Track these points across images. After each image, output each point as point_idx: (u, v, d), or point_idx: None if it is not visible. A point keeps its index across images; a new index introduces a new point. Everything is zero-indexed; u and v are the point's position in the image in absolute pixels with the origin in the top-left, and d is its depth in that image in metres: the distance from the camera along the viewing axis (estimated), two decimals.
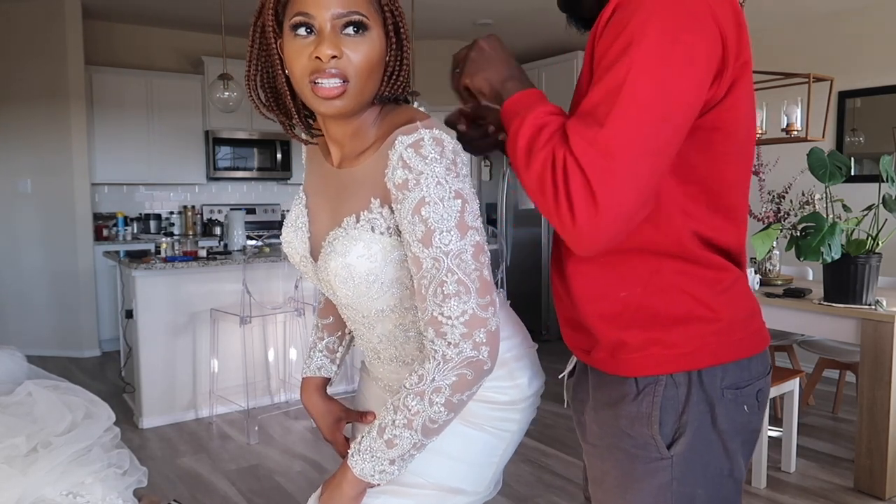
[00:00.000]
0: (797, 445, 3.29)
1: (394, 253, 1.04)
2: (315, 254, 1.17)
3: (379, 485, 1.07)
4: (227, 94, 4.61)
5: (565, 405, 1.33)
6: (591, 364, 1.11)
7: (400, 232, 1.02)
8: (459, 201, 0.97)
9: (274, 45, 1.02)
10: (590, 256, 1.00)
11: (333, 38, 0.97)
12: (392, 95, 1.08)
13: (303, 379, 1.39)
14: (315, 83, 0.99)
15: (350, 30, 0.98)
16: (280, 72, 1.05)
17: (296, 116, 1.10)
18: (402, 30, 1.04)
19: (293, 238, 1.19)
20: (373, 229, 1.03)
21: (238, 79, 4.86)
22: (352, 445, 1.07)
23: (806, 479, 3.18)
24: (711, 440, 1.03)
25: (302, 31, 0.98)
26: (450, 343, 0.96)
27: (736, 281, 1.09)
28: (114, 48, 6.07)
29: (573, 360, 1.23)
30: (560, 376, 1.32)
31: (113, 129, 5.85)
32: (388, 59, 1.04)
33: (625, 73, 0.89)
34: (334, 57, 0.97)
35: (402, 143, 0.97)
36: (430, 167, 0.96)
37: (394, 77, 1.05)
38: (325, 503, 1.11)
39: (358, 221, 1.05)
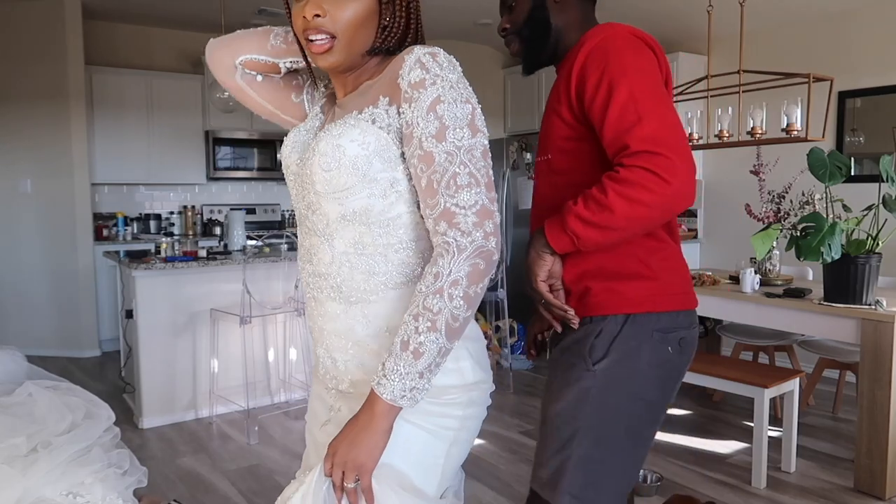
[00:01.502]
0: (797, 445, 3.28)
1: (387, 151, 1.08)
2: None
3: (405, 407, 1.06)
4: (227, 94, 4.60)
5: (548, 355, 1.62)
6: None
7: (401, 136, 1.07)
8: (470, 106, 1.05)
9: (287, 10, 1.17)
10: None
11: None
12: (389, 48, 1.15)
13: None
14: (308, 40, 1.11)
15: None
16: (293, 31, 1.18)
17: (310, 69, 1.26)
18: None
19: (295, 136, 1.22)
20: (373, 122, 1.08)
21: None
22: (374, 376, 1.06)
23: (806, 479, 3.18)
24: (633, 367, 1.38)
25: None
26: (463, 232, 1.02)
27: (673, 252, 1.45)
28: (114, 48, 6.07)
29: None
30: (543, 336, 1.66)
31: (113, 129, 5.85)
32: (382, 13, 1.12)
33: (626, 96, 1.29)
34: (317, 16, 1.08)
35: (420, 49, 1.05)
36: (444, 72, 1.04)
37: (388, 31, 1.13)
38: (348, 447, 1.06)
39: (360, 114, 1.09)
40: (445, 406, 1.15)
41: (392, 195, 1.09)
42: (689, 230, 5.69)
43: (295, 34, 1.17)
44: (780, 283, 3.69)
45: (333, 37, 1.10)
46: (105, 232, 5.80)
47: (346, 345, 1.17)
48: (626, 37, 1.39)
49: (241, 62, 1.24)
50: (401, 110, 1.06)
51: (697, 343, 1.50)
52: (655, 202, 1.23)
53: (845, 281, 3.04)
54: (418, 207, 1.11)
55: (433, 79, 1.03)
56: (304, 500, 1.10)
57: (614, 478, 1.42)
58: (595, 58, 1.36)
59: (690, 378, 3.34)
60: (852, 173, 3.62)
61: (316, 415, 1.31)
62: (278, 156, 6.51)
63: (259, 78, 1.27)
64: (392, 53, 1.14)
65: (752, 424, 3.16)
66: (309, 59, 1.19)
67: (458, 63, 1.08)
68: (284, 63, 1.25)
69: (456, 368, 1.15)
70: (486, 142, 1.07)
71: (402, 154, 1.09)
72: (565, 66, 1.46)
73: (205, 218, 6.48)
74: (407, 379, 1.03)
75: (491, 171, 1.07)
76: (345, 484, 1.07)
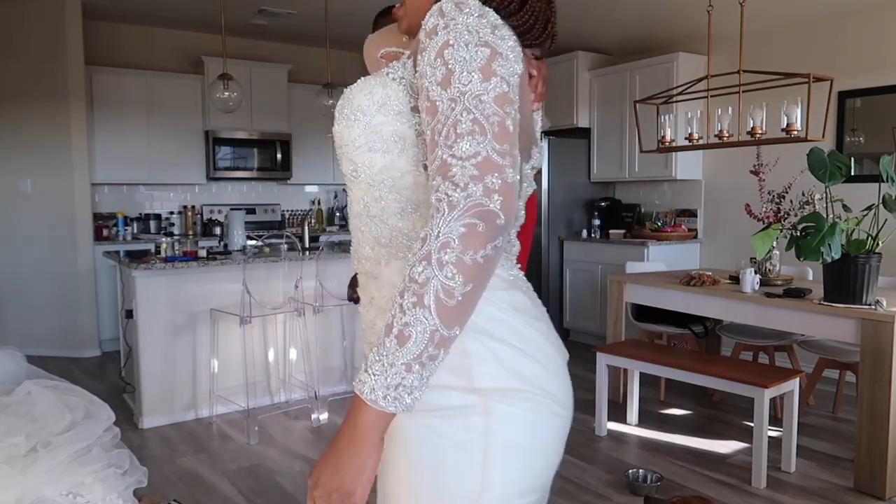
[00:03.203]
0: (797, 445, 3.28)
1: (394, 102, 0.98)
2: None
3: (391, 410, 0.86)
4: (227, 94, 4.61)
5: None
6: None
7: (413, 87, 0.98)
8: (488, 51, 0.89)
9: None
10: None
11: None
12: None
13: None
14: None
15: None
16: None
17: None
18: None
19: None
20: (387, 74, 1.01)
21: (238, 78, 4.86)
22: (356, 375, 0.90)
23: (806, 479, 3.17)
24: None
25: None
26: (457, 185, 0.85)
27: None
28: (114, 48, 6.07)
29: None
30: None
31: (113, 129, 5.85)
32: None
33: None
34: None
35: (446, 1, 0.93)
36: (463, 16, 0.90)
37: None
38: (331, 473, 0.89)
39: (382, 69, 1.05)
40: (445, 411, 0.95)
41: (395, 150, 0.98)
42: (689, 230, 5.69)
43: None
44: (780, 283, 3.69)
45: (402, 3, 1.07)
46: (105, 232, 5.80)
47: (367, 323, 1.08)
48: None
49: (382, 54, 1.17)
50: (416, 61, 0.96)
51: None
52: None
53: (845, 281, 3.04)
54: None
55: (446, 23, 0.90)
56: None
57: None
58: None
59: (691, 378, 3.34)
60: (852, 173, 3.62)
61: None
62: (278, 156, 6.53)
63: None
64: None
65: (752, 424, 3.16)
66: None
67: (494, 15, 0.93)
68: None
69: (460, 363, 0.95)
70: (508, 89, 0.90)
71: (414, 108, 0.99)
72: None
73: (205, 218, 6.48)
74: (390, 372, 0.84)
75: (510, 122, 0.89)
76: None
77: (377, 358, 0.86)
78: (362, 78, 1.04)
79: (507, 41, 0.93)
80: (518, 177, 0.89)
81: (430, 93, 0.90)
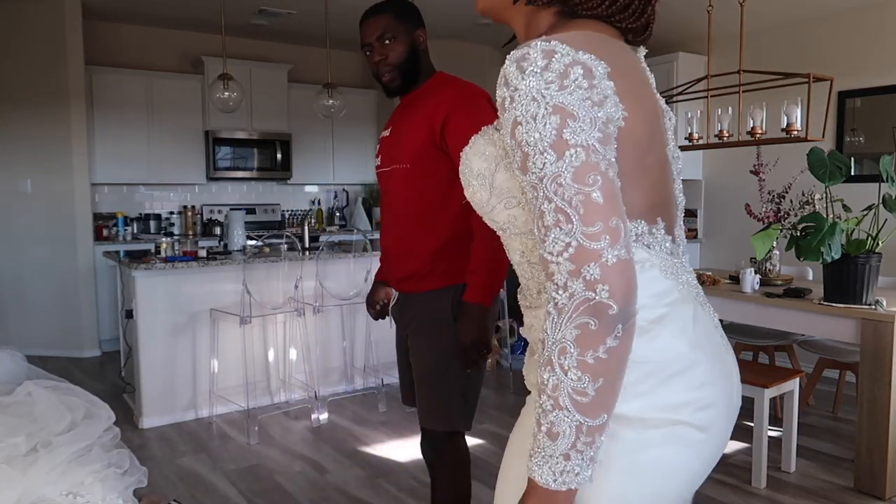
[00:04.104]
0: (797, 445, 3.28)
1: (506, 160, 0.96)
2: None
3: (567, 488, 0.85)
4: (227, 94, 4.60)
5: (391, 325, 2.23)
6: (412, 290, 2.04)
7: None
8: (558, 117, 0.83)
9: None
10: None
11: None
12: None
13: None
14: None
15: None
16: None
17: None
18: None
19: None
20: (495, 131, 0.99)
21: (238, 78, 4.86)
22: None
23: (806, 479, 3.17)
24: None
25: None
26: (559, 286, 0.82)
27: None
28: (114, 48, 6.07)
29: (396, 295, 2.12)
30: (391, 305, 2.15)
31: (113, 129, 5.85)
32: None
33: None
34: None
35: (509, 58, 0.88)
36: (526, 81, 0.84)
37: None
38: None
39: (488, 126, 1.04)
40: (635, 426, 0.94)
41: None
42: (690, 230, 5.69)
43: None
44: (780, 283, 3.69)
45: None
46: (105, 232, 5.80)
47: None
48: (484, 94, 1.97)
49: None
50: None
51: None
52: None
53: (845, 281, 3.04)
54: None
55: (511, 96, 0.86)
56: None
57: None
58: (463, 105, 1.90)
59: None
60: (852, 173, 3.62)
61: None
62: (278, 156, 6.52)
63: None
64: (575, 16, 0.98)
65: (752, 424, 3.16)
66: None
67: (564, 54, 0.85)
68: None
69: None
70: (587, 156, 0.83)
71: None
72: (422, 97, 2.01)
73: (205, 218, 6.48)
74: (552, 462, 0.84)
75: (597, 193, 0.83)
76: None
77: (536, 450, 0.86)
78: (474, 137, 1.04)
79: (580, 86, 0.85)
80: (625, 249, 0.83)
81: (518, 175, 0.89)
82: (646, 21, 1.01)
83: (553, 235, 0.83)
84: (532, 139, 0.84)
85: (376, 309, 2.25)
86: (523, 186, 0.88)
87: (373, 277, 2.32)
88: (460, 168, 1.04)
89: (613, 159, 0.87)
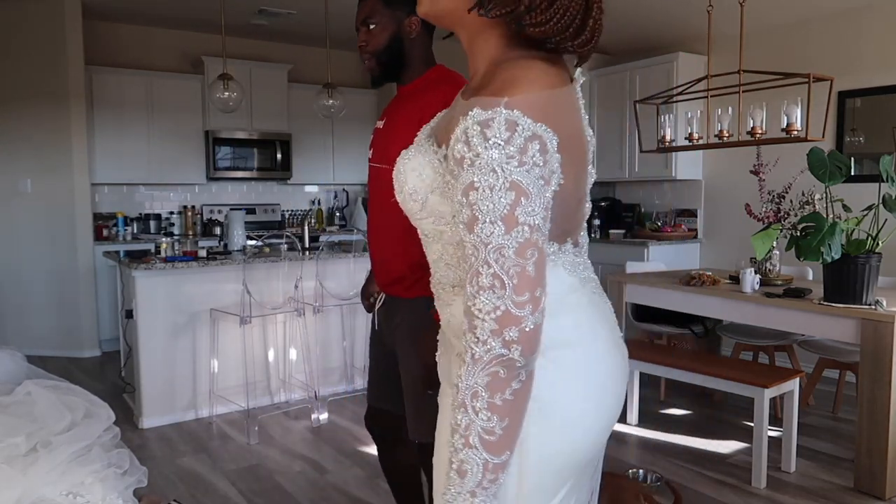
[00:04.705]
0: (797, 445, 3.28)
1: (441, 186, 1.03)
2: None
3: None
4: (227, 94, 4.60)
5: (376, 326, 2.15)
6: (400, 295, 1.96)
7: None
8: (513, 194, 0.90)
9: None
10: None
11: None
12: (524, 32, 0.98)
13: None
14: None
15: None
16: None
17: None
18: None
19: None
20: (435, 154, 1.03)
21: (238, 78, 4.86)
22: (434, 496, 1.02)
23: (806, 479, 3.17)
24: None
25: None
26: (478, 339, 0.92)
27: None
28: (114, 48, 6.07)
29: (383, 296, 2.07)
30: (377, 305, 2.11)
31: (113, 130, 5.85)
32: None
33: None
34: None
35: (473, 117, 0.92)
36: (488, 152, 0.90)
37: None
38: None
39: (430, 145, 1.07)
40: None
41: (458, 225, 0.99)
42: (689, 230, 5.69)
43: None
44: (780, 283, 3.69)
45: None
46: (105, 232, 5.80)
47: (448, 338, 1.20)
48: None
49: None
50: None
51: None
52: None
53: (845, 281, 3.04)
54: None
55: (472, 159, 0.91)
56: None
57: None
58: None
59: (691, 378, 3.34)
60: (852, 173, 3.62)
61: None
62: (278, 156, 6.53)
63: None
64: (534, 47, 1.00)
65: (752, 424, 3.16)
66: None
67: (525, 127, 0.90)
68: None
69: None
70: (531, 234, 0.91)
71: None
72: (417, 92, 1.90)
73: (205, 218, 6.48)
74: (460, 499, 0.95)
75: (531, 267, 0.92)
76: None
77: (447, 487, 0.96)
78: (413, 148, 1.08)
79: (536, 163, 0.91)
80: (541, 315, 0.94)
81: (460, 227, 0.95)
82: (589, 35, 1.02)
83: (485, 296, 0.92)
84: (486, 208, 0.91)
85: (370, 301, 2.20)
86: (465, 241, 0.94)
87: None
88: (394, 173, 1.09)
89: (547, 224, 0.96)
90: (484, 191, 0.90)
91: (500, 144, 0.90)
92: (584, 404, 1.08)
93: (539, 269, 0.93)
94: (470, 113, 0.92)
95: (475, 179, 0.91)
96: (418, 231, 1.15)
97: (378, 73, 1.95)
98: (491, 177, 0.90)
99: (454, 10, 1.04)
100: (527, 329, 0.92)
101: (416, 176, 1.04)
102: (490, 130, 0.90)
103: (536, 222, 0.92)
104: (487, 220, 0.90)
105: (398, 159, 1.10)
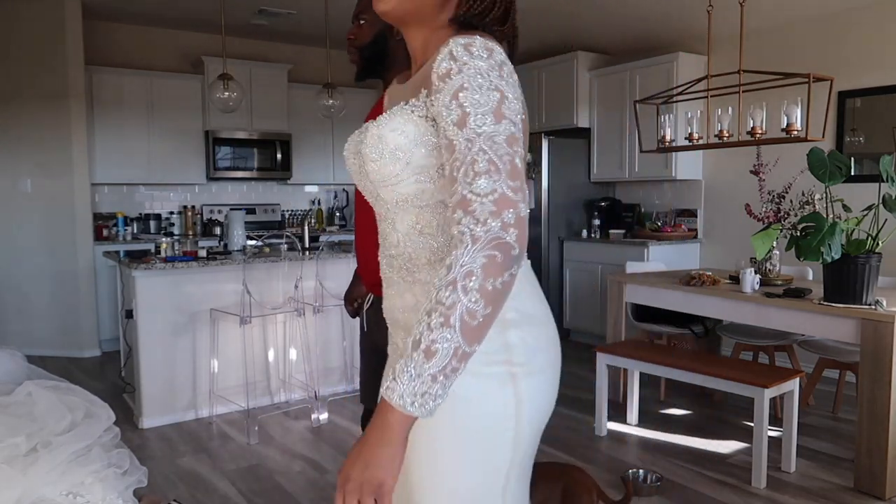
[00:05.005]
0: (797, 445, 3.28)
1: (426, 137, 1.07)
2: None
3: (417, 417, 0.96)
4: (227, 94, 4.60)
5: (365, 328, 2.08)
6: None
7: (436, 122, 1.06)
8: (498, 94, 1.00)
9: None
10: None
11: None
12: (467, 20, 1.13)
13: None
14: None
15: None
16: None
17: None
18: None
19: (352, 138, 1.24)
20: (412, 112, 1.08)
21: (238, 78, 4.86)
22: (384, 380, 0.99)
23: (806, 479, 3.18)
24: None
25: None
26: (478, 220, 0.96)
27: None
28: (114, 48, 6.07)
29: (371, 297, 2.02)
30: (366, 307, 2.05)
31: (113, 130, 5.85)
32: None
33: None
34: None
35: (455, 41, 1.02)
36: (474, 60, 1.00)
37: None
38: (362, 468, 0.97)
39: (406, 104, 1.10)
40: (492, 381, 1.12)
41: (442, 179, 1.08)
42: (689, 230, 5.69)
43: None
44: (780, 283, 3.69)
45: None
46: (105, 232, 5.80)
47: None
48: None
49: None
50: (432, 101, 1.04)
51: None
52: None
53: (845, 281, 3.04)
54: None
55: (459, 68, 1.00)
56: None
57: None
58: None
59: (691, 378, 3.34)
60: (852, 173, 3.63)
61: None
62: (278, 156, 6.52)
63: None
64: (473, 28, 1.12)
65: (752, 424, 3.16)
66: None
67: (500, 52, 1.03)
68: None
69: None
70: (515, 130, 1.01)
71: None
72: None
73: (205, 218, 6.47)
74: (417, 382, 0.93)
75: (518, 161, 1.00)
76: None
77: (405, 368, 0.94)
78: (384, 115, 1.11)
79: (511, 79, 1.03)
80: (526, 209, 1.00)
81: (447, 132, 1.00)
82: (509, 26, 1.17)
83: (483, 180, 0.97)
84: (476, 102, 0.99)
85: (354, 306, 2.18)
86: (451, 141, 1.00)
87: None
88: (367, 141, 1.11)
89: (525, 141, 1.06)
90: (473, 90, 0.99)
91: (483, 57, 1.00)
92: (554, 374, 1.18)
93: (522, 166, 1.01)
94: (451, 40, 1.02)
95: (464, 83, 0.99)
96: (383, 207, 1.16)
97: (360, 68, 1.98)
98: (478, 78, 0.99)
99: (419, 9, 1.12)
100: (521, 214, 0.97)
101: (397, 134, 1.07)
102: (473, 48, 1.01)
103: (517, 121, 1.01)
104: (479, 112, 0.98)
105: (370, 126, 1.12)
